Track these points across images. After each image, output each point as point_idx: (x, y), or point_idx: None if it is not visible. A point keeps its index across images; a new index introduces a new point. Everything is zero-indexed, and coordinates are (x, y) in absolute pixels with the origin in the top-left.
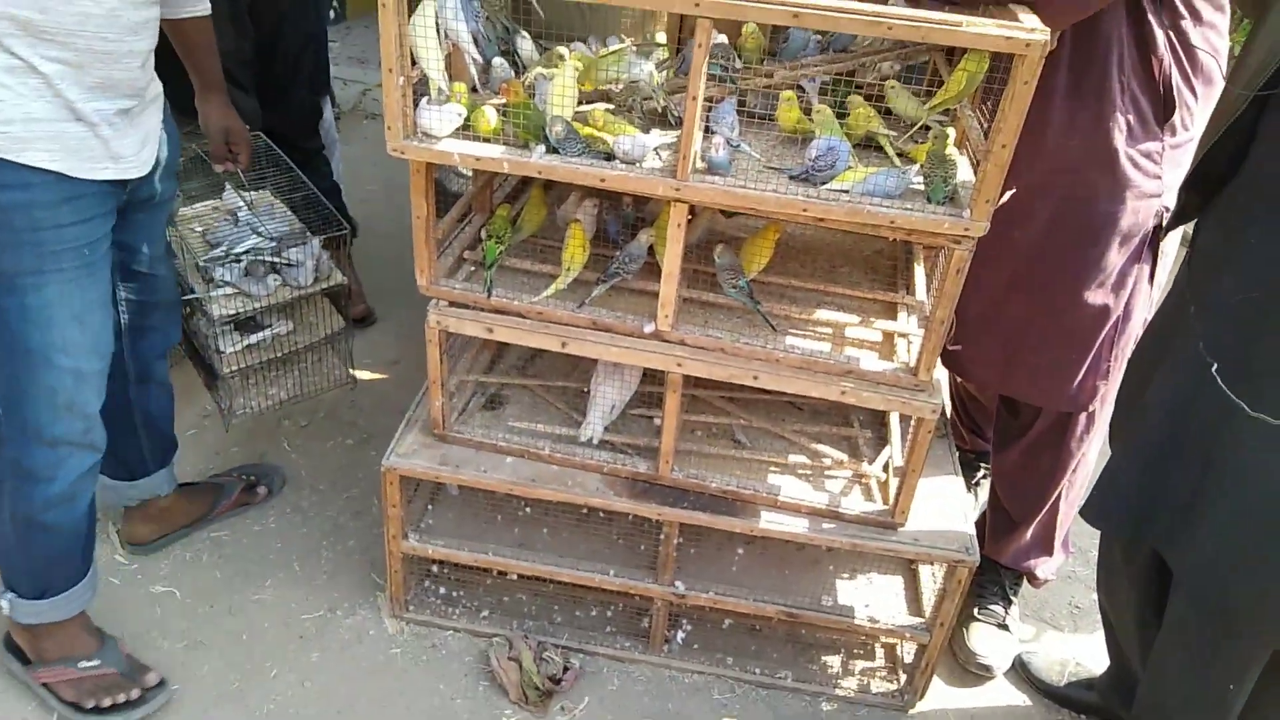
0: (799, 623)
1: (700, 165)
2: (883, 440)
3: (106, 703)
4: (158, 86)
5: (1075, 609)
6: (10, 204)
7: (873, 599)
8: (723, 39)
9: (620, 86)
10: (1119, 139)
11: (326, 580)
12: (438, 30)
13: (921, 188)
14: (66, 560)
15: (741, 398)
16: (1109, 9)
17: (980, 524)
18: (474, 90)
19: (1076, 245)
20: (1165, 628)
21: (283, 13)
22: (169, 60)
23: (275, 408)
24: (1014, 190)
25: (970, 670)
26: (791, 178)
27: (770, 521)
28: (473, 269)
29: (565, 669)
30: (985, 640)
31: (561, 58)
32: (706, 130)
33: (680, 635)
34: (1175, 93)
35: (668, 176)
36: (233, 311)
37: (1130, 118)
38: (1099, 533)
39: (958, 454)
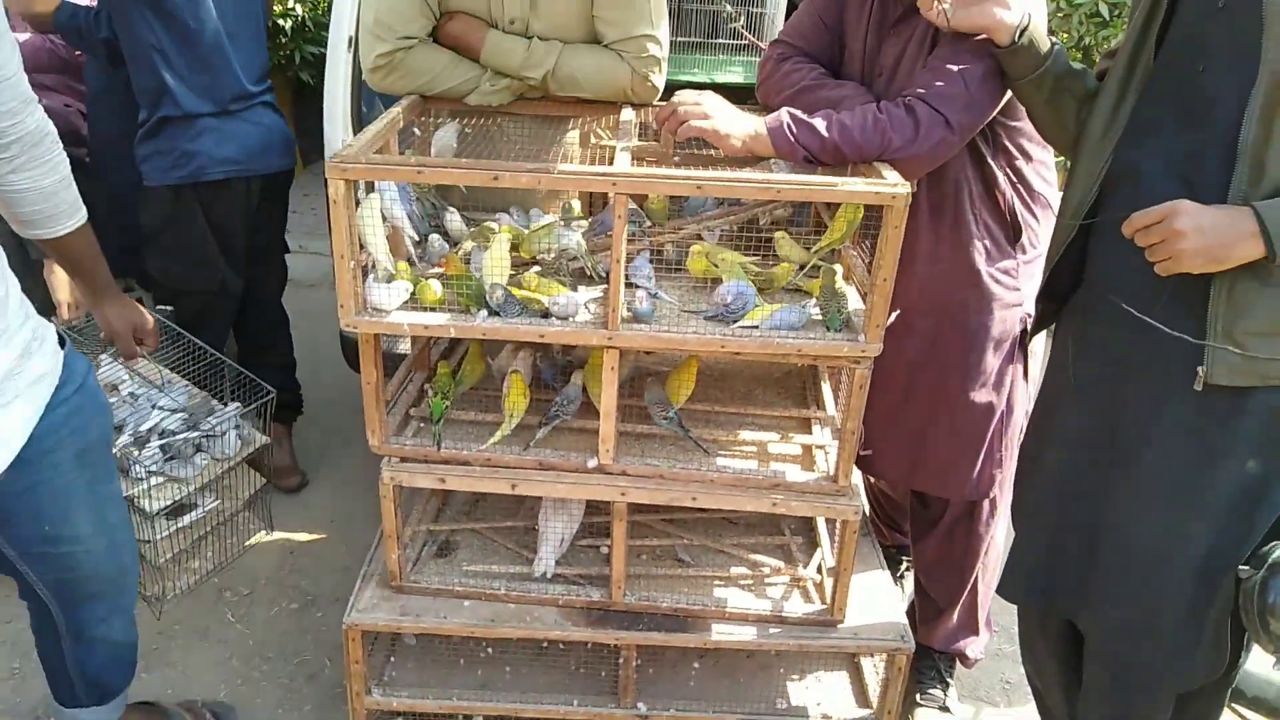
0: None
1: (626, 315)
2: (813, 544)
3: None
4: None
5: (1006, 684)
6: None
7: (823, 697)
8: (633, 205)
9: (553, 254)
10: (979, 260)
11: None
12: (381, 216)
13: (820, 318)
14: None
15: (680, 518)
16: (954, 158)
17: (910, 613)
18: (412, 264)
19: (957, 353)
20: (1084, 690)
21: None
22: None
23: (202, 580)
24: (899, 312)
25: None
26: (707, 319)
27: (721, 633)
28: (420, 424)
29: None
30: None
31: (493, 230)
32: (627, 283)
33: None
34: (1020, 218)
35: (600, 328)
36: (169, 501)
37: (986, 242)
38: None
39: (881, 550)
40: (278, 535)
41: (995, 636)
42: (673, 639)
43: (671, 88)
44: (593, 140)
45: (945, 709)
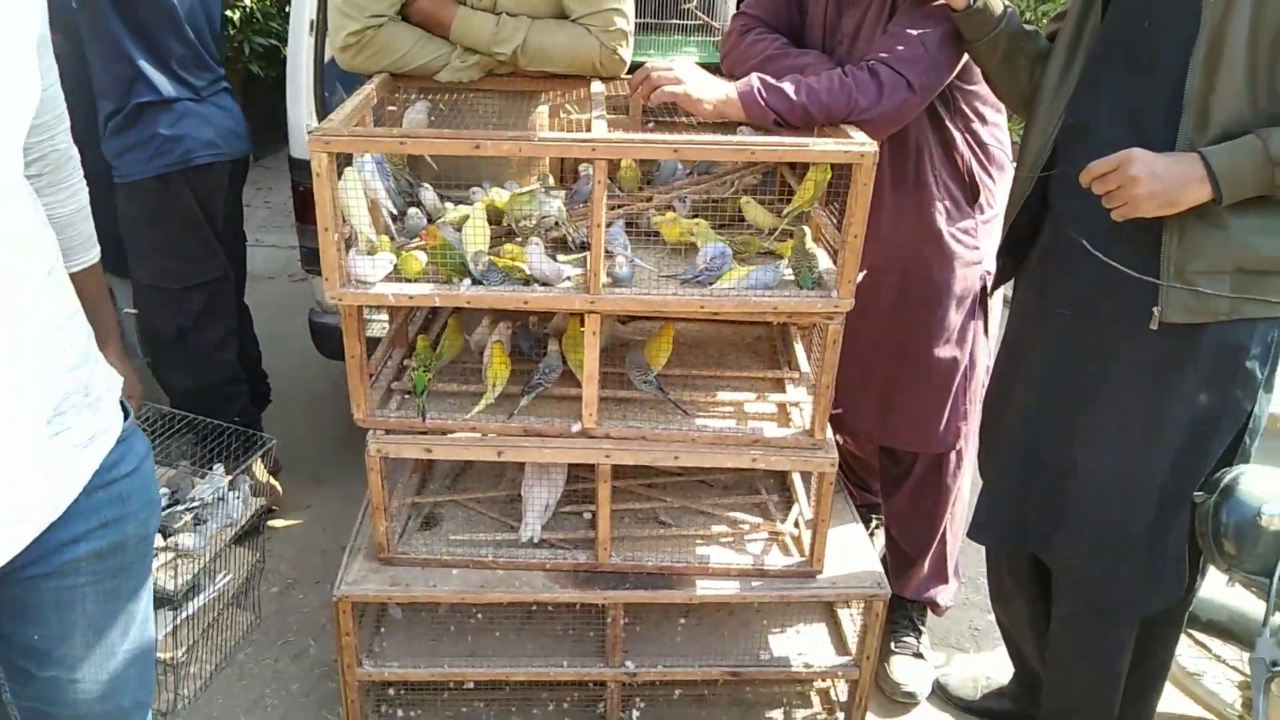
0: (742, 681)
1: (607, 280)
2: (789, 501)
3: None
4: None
5: (975, 630)
6: None
7: (804, 647)
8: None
9: (534, 221)
10: (940, 220)
11: None
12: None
13: (792, 278)
14: None
15: (659, 482)
16: (914, 122)
17: (882, 567)
18: (391, 238)
19: (922, 309)
20: (1054, 625)
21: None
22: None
23: (207, 685)
24: (865, 270)
25: (897, 700)
26: (683, 281)
27: (705, 588)
28: (403, 398)
29: None
30: (905, 670)
31: (471, 202)
32: (605, 251)
33: (635, 715)
34: (977, 179)
35: (582, 293)
36: (188, 578)
37: (946, 203)
38: (985, 560)
39: (853, 506)
40: None
41: (963, 586)
42: (659, 596)
43: (629, 69)
44: (562, 114)
45: (919, 655)
